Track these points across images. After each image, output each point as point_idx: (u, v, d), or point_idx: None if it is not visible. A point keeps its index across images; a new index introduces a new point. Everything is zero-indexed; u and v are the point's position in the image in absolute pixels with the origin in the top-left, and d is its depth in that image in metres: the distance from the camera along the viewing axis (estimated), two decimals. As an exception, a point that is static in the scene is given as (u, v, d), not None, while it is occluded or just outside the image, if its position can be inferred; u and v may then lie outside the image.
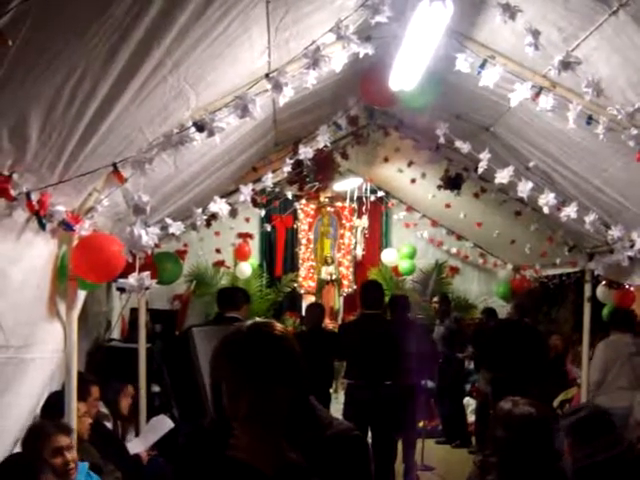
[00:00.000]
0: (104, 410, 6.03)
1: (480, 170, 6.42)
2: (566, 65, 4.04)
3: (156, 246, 5.35)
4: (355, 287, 12.87)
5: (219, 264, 12.57)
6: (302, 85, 4.30)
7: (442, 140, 6.63)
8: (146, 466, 5.88)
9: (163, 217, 5.68)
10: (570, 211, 5.92)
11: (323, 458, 2.09)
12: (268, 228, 12.08)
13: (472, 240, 12.85)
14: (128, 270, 4.64)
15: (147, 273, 4.52)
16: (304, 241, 13.25)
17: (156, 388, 7.94)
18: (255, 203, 8.15)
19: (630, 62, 4.06)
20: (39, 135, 3.31)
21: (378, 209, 13.17)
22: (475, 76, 4.72)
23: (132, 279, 4.49)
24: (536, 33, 3.92)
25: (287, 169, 7.06)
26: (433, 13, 3.95)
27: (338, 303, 13.05)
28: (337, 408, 7.88)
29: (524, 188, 6.04)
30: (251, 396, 2.01)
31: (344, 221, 13.38)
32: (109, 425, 6.03)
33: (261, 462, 2.07)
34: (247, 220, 12.07)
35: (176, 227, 5.42)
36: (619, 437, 3.96)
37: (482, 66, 4.63)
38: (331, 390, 8.44)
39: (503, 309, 11.69)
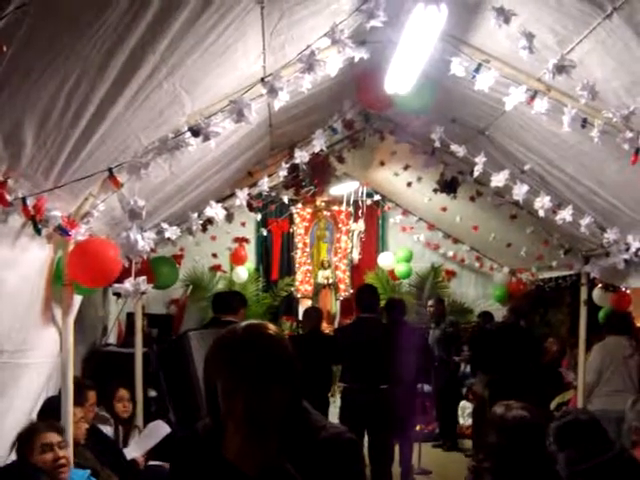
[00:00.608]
0: (105, 414, 6.03)
1: (476, 174, 6.42)
2: (561, 68, 4.05)
3: (152, 251, 5.36)
4: (352, 291, 12.87)
5: (215, 268, 12.57)
6: (297, 89, 4.31)
7: (438, 144, 6.65)
8: (142, 471, 5.87)
9: (159, 222, 5.69)
10: (566, 214, 5.93)
11: (316, 461, 2.09)
12: (264, 232, 12.12)
13: (468, 243, 12.84)
14: (124, 275, 4.65)
15: (143, 278, 4.52)
16: (300, 245, 13.25)
17: (153, 393, 7.93)
18: (251, 207, 8.15)
19: (624, 65, 4.06)
20: (34, 140, 3.31)
21: (374, 213, 13.18)
22: (470, 80, 4.73)
23: (128, 284, 4.49)
24: (530, 36, 3.93)
25: (283, 173, 7.07)
26: (428, 17, 3.96)
27: (335, 307, 13.04)
28: (335, 412, 7.88)
29: (519, 191, 6.05)
30: (246, 395, 2.00)
31: (340, 225, 13.38)
32: (110, 429, 6.02)
33: (247, 463, 2.07)
34: (243, 224, 12.08)
35: (172, 232, 5.43)
36: (609, 442, 3.94)
37: (477, 70, 4.64)
38: (329, 394, 8.41)
39: (499, 312, 11.69)
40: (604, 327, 7.86)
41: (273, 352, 2.08)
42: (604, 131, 4.38)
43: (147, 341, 8.37)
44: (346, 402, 7.58)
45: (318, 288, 13.04)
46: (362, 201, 12.69)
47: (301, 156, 6.72)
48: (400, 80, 5.43)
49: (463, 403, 11.26)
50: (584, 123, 4.48)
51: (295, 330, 12.03)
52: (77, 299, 4.96)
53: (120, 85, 3.48)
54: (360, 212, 12.90)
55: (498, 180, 6.10)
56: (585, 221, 6.02)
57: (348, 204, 12.94)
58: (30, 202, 3.67)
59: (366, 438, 7.27)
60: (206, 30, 3.63)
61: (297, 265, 13.26)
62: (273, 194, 8.86)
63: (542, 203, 5.99)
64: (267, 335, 2.11)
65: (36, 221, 3.83)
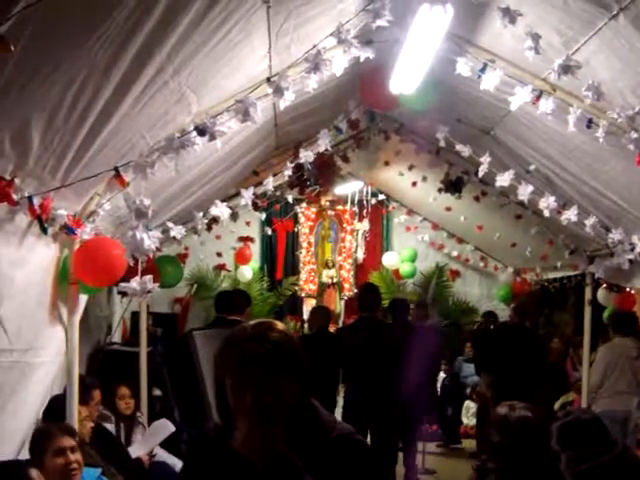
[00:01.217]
0: (106, 412, 6.04)
1: (481, 173, 6.43)
2: (566, 69, 4.05)
3: (157, 250, 5.36)
4: (356, 291, 12.84)
5: (220, 267, 12.59)
6: (303, 89, 4.31)
7: (443, 143, 6.65)
8: (147, 470, 5.88)
9: (164, 221, 5.69)
10: (570, 214, 5.93)
11: (326, 460, 2.11)
12: (269, 232, 12.11)
13: (473, 243, 12.85)
14: (129, 274, 4.65)
15: (149, 277, 4.53)
16: (305, 244, 13.24)
17: (157, 392, 7.94)
18: (256, 207, 8.16)
19: (630, 66, 4.07)
20: (41, 140, 3.32)
21: (379, 212, 13.18)
22: (475, 80, 4.73)
23: (134, 283, 4.50)
24: (536, 37, 3.93)
25: (288, 173, 7.07)
26: (433, 17, 3.97)
27: (339, 306, 13.04)
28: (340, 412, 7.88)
29: (524, 191, 6.05)
30: (255, 388, 2.03)
31: (345, 224, 13.37)
32: (111, 426, 6.03)
33: (255, 455, 2.10)
34: (248, 224, 12.08)
35: (177, 231, 5.42)
36: (612, 442, 3.94)
37: (482, 70, 4.63)
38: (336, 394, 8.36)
39: (504, 312, 11.69)
40: (611, 328, 7.84)
41: (282, 346, 2.10)
42: (609, 131, 4.38)
43: (152, 340, 8.39)
44: (348, 402, 7.55)
45: (322, 287, 13.03)
46: (367, 201, 12.69)
47: (306, 156, 6.72)
48: (406, 80, 5.43)
49: (467, 403, 11.26)
50: (589, 123, 4.48)
51: (299, 330, 12.03)
52: (83, 298, 4.96)
53: (126, 84, 3.49)
54: (365, 212, 12.90)
55: (503, 180, 6.10)
56: (590, 221, 6.02)
57: (353, 204, 12.93)
58: (36, 201, 3.68)
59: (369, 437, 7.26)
60: (212, 30, 3.64)
61: (301, 264, 13.25)
62: (278, 193, 8.88)
63: (547, 203, 6.00)
64: (276, 331, 2.14)
65: (42, 220, 3.84)
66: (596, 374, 7.49)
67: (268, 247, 13.29)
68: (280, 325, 2.21)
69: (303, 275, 13.22)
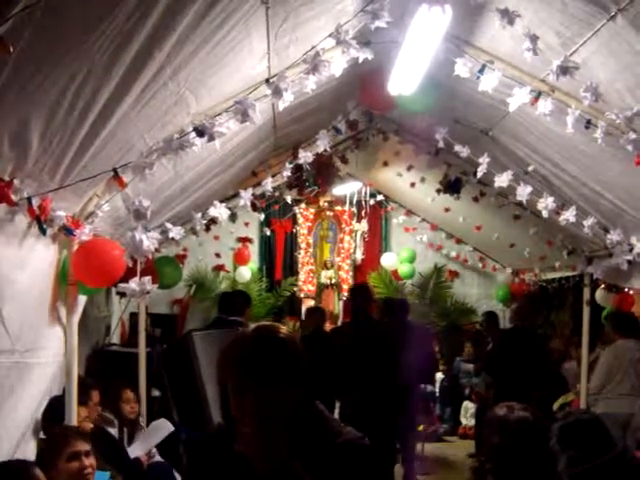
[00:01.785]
0: (109, 415, 6.03)
1: (479, 174, 6.43)
2: (564, 70, 4.05)
3: (156, 250, 5.36)
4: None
5: (219, 268, 12.59)
6: (302, 90, 4.31)
7: (441, 144, 6.65)
8: (146, 470, 5.88)
9: (163, 222, 5.69)
10: (569, 215, 5.94)
11: (332, 466, 2.11)
12: (268, 232, 12.13)
13: (471, 244, 12.86)
14: (128, 275, 4.66)
15: (148, 278, 4.53)
16: (303, 245, 13.24)
17: (156, 392, 7.94)
18: (254, 207, 8.16)
19: (628, 67, 4.07)
20: (40, 141, 3.33)
21: (377, 213, 13.18)
22: (474, 81, 4.73)
23: (133, 284, 4.50)
24: (534, 38, 3.93)
25: (287, 173, 7.08)
26: (432, 18, 3.97)
27: (338, 307, 13.03)
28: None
29: (523, 192, 6.06)
30: (256, 393, 2.03)
31: (343, 225, 13.37)
32: (114, 430, 6.02)
33: (256, 459, 2.08)
34: (246, 224, 12.09)
35: (176, 232, 5.42)
36: (612, 443, 3.93)
37: (481, 71, 4.63)
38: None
39: (502, 313, 11.70)
40: (612, 329, 7.82)
41: (282, 351, 2.10)
42: (608, 132, 4.38)
43: (150, 341, 8.38)
44: (344, 404, 7.50)
45: (321, 288, 13.04)
46: (365, 201, 12.69)
47: (305, 156, 6.72)
48: (404, 81, 5.44)
49: (465, 403, 11.28)
50: (588, 124, 4.48)
51: (298, 330, 12.02)
52: (82, 299, 4.97)
53: (125, 85, 3.49)
54: (363, 212, 12.88)
55: (502, 181, 6.11)
56: (588, 222, 6.02)
57: (351, 204, 12.93)
58: (35, 202, 3.68)
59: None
60: (211, 30, 3.65)
61: (300, 265, 13.25)
62: (277, 194, 8.88)
63: (545, 204, 6.00)
64: (277, 335, 2.14)
65: (41, 221, 3.85)
66: (600, 376, 7.48)
67: (267, 248, 13.29)
68: (282, 328, 2.21)
69: (302, 276, 13.23)
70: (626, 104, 4.21)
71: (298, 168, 7.03)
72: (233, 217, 7.13)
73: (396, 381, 7.14)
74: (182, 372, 6.59)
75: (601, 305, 8.63)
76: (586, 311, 8.19)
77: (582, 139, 4.99)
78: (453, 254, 13.12)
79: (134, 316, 8.70)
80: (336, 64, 4.31)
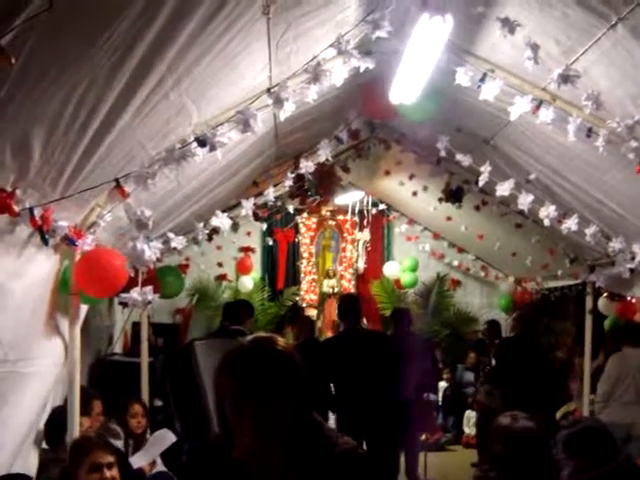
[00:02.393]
0: (115, 427, 6.01)
1: (481, 183, 6.43)
2: (565, 78, 4.06)
3: (158, 260, 5.37)
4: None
5: (221, 278, 12.57)
6: (303, 100, 4.32)
7: (443, 153, 6.65)
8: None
9: (165, 231, 5.70)
10: (571, 223, 5.94)
11: (330, 476, 2.10)
12: (270, 242, 12.11)
13: (473, 253, 12.84)
14: (130, 284, 4.66)
15: (150, 287, 4.53)
16: (306, 254, 13.23)
17: (158, 402, 7.93)
18: (257, 217, 8.18)
19: (629, 75, 4.08)
20: (42, 151, 3.33)
21: (379, 222, 13.17)
22: (475, 89, 4.74)
23: (135, 293, 4.50)
24: (535, 47, 3.94)
25: (288, 183, 7.08)
26: (433, 28, 3.97)
27: (340, 316, 12.99)
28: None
29: (525, 201, 6.06)
30: (254, 410, 2.01)
31: (346, 234, 13.35)
32: (119, 443, 5.98)
33: (255, 470, 2.08)
34: (249, 234, 12.11)
35: (178, 241, 5.44)
36: (617, 450, 3.93)
37: (482, 80, 4.65)
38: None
39: (504, 322, 11.69)
40: (618, 338, 7.82)
41: (279, 365, 2.08)
42: (609, 141, 4.39)
43: (153, 350, 8.38)
44: (340, 415, 7.38)
45: (323, 297, 13.02)
46: (367, 210, 12.70)
47: (306, 166, 6.73)
48: (406, 90, 5.45)
49: (468, 412, 11.25)
50: (589, 133, 4.49)
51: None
52: (83, 308, 4.97)
53: (127, 95, 3.50)
54: (365, 221, 12.89)
55: (503, 189, 6.11)
56: (590, 230, 6.02)
57: (353, 213, 12.93)
58: (37, 212, 3.68)
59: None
60: (213, 41, 3.66)
61: (302, 274, 13.24)
62: (279, 204, 8.88)
63: (547, 212, 6.00)
64: (273, 349, 2.12)
65: (43, 231, 3.85)
66: (606, 384, 7.48)
67: (269, 257, 13.27)
68: (280, 340, 2.18)
69: (304, 285, 13.21)
70: (627, 112, 4.22)
71: (300, 178, 7.03)
72: (235, 227, 7.12)
73: (395, 391, 7.08)
74: (185, 381, 6.58)
75: (603, 313, 8.63)
76: (588, 320, 8.18)
77: (583, 147, 4.99)
78: (455, 263, 13.10)
79: (136, 325, 8.70)
80: (337, 74, 4.33)
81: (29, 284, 4.16)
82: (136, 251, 4.34)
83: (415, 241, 13.03)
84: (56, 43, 2.71)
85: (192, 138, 4.12)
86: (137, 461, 5.93)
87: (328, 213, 13.14)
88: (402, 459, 8.21)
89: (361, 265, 13.39)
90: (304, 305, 13.06)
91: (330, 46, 4.07)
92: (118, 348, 9.47)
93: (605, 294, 8.43)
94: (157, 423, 7.33)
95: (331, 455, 2.15)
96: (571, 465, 3.80)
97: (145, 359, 7.49)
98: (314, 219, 13.20)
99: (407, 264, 12.73)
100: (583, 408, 8.05)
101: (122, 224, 5.10)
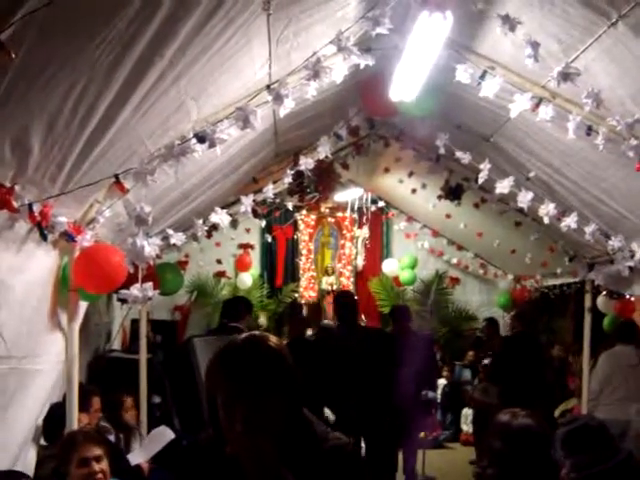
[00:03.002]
0: (105, 424, 6.01)
1: (480, 180, 6.43)
2: (566, 76, 4.05)
3: (157, 257, 5.36)
4: (356, 298, 12.82)
5: (220, 275, 12.57)
6: (303, 96, 4.32)
7: (442, 150, 6.65)
8: (147, 477, 5.86)
9: (164, 228, 5.69)
10: (570, 221, 5.94)
11: (319, 472, 2.10)
12: (269, 239, 12.11)
13: (472, 250, 12.84)
14: (129, 281, 4.65)
15: (150, 284, 4.53)
16: (305, 251, 13.23)
17: (157, 399, 7.93)
18: (256, 214, 8.16)
19: (629, 73, 4.08)
20: (41, 147, 3.33)
21: (379, 219, 13.17)
22: (475, 87, 4.73)
23: (134, 290, 4.50)
24: (535, 44, 3.93)
25: (288, 180, 7.07)
26: (433, 25, 3.97)
27: (338, 313, 12.99)
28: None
29: (524, 198, 6.06)
30: (245, 407, 2.01)
31: (345, 231, 13.36)
32: (111, 438, 6.00)
33: (246, 465, 2.06)
34: (248, 231, 12.09)
35: (177, 238, 5.43)
36: (616, 448, 3.93)
37: (482, 77, 4.64)
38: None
39: (503, 319, 11.70)
40: (613, 335, 7.84)
41: (271, 363, 2.09)
42: (609, 138, 4.39)
43: (151, 347, 8.38)
44: (339, 412, 7.37)
45: (322, 294, 13.03)
46: (366, 208, 12.68)
47: (306, 163, 6.72)
48: (406, 87, 5.44)
49: (465, 410, 11.26)
50: (589, 130, 4.49)
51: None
52: (83, 305, 4.96)
53: (127, 91, 3.49)
54: (364, 219, 12.88)
55: (503, 187, 6.10)
56: (590, 228, 6.02)
57: (352, 211, 12.91)
58: (36, 208, 3.68)
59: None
60: (213, 37, 3.65)
61: (301, 271, 13.25)
62: (278, 200, 8.87)
63: (547, 210, 6.00)
64: (265, 346, 2.13)
65: (42, 227, 3.84)
66: (596, 381, 7.50)
67: (268, 254, 13.27)
68: (272, 338, 2.19)
69: (303, 282, 13.21)
70: (627, 110, 4.22)
71: (299, 174, 7.02)
72: (234, 223, 7.13)
73: (393, 389, 7.08)
74: (183, 378, 6.58)
75: (602, 312, 8.63)
76: (587, 318, 8.19)
77: (583, 145, 4.99)
78: (454, 260, 13.10)
79: (135, 322, 8.70)
80: (337, 70, 4.32)
81: (30, 280, 4.15)
82: (136, 247, 4.33)
83: (414, 238, 13.03)
84: (55, 39, 2.70)
85: (191, 134, 4.11)
86: (135, 458, 5.93)
87: (327, 210, 13.14)
88: (400, 456, 8.22)
89: (360, 262, 13.39)
90: (303, 302, 13.05)
91: (330, 43, 4.06)
92: (117, 345, 9.47)
93: (604, 292, 8.43)
94: (155, 420, 7.33)
95: (320, 450, 2.16)
96: (569, 463, 3.80)
97: (144, 356, 7.48)
98: (313, 216, 13.20)
99: (406, 261, 12.73)
100: (582, 405, 8.04)
101: (121, 220, 5.10)
